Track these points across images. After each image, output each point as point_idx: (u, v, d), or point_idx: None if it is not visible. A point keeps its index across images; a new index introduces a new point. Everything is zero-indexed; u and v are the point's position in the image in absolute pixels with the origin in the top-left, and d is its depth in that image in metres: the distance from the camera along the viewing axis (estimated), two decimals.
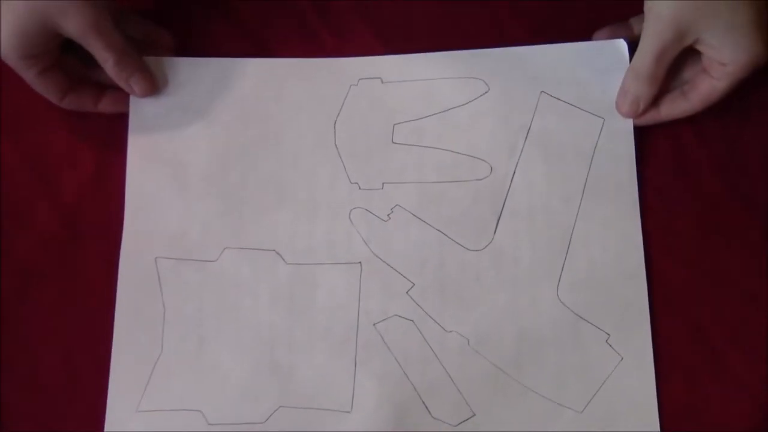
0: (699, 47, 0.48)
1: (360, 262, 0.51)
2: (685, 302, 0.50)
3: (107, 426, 0.49)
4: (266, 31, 0.55)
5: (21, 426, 0.49)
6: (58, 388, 0.50)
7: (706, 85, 0.49)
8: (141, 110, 0.53)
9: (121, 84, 0.51)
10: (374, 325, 0.50)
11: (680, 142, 0.52)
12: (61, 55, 0.50)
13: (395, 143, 0.52)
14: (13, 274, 0.52)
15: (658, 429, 0.48)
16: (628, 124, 0.52)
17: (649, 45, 0.49)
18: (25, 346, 0.50)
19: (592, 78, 0.53)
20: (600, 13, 0.54)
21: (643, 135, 0.52)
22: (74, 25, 0.48)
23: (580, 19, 0.54)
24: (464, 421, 0.48)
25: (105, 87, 0.52)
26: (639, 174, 0.51)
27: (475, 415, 0.48)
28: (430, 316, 0.50)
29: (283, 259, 0.51)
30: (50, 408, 0.50)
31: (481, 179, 0.52)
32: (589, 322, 0.49)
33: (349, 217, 0.51)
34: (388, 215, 0.51)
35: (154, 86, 0.53)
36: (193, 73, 0.53)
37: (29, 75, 0.49)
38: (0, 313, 0.51)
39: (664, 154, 0.52)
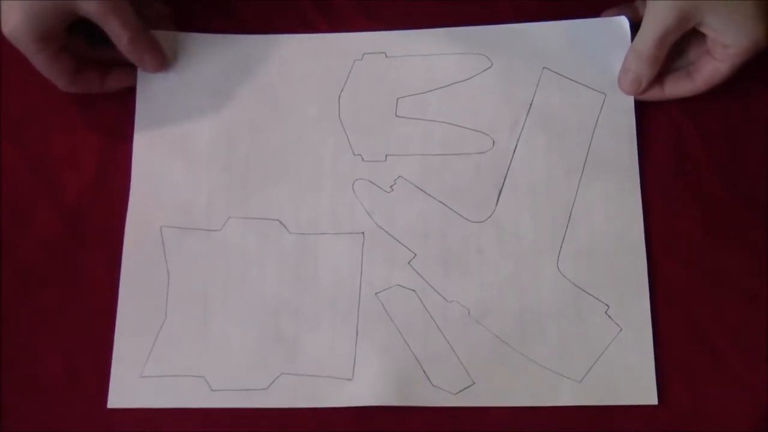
0: (702, 30, 0.49)
1: (363, 233, 0.51)
2: (686, 302, 0.50)
3: (111, 390, 0.49)
4: (267, 30, 0.55)
5: (21, 426, 0.49)
6: (58, 388, 0.50)
7: (710, 67, 0.50)
8: (148, 85, 0.54)
9: (134, 60, 0.52)
10: (376, 294, 0.50)
11: (681, 142, 0.53)
12: (68, 36, 0.50)
13: (399, 117, 0.53)
14: (13, 275, 0.52)
15: (656, 399, 0.48)
16: (629, 100, 0.52)
17: (651, 28, 0.49)
18: (25, 346, 0.51)
19: (593, 54, 0.53)
20: (600, 11, 0.54)
21: (644, 134, 0.52)
22: (94, 6, 0.48)
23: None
24: (464, 389, 0.48)
25: (109, 66, 0.53)
26: (640, 173, 0.51)
27: (474, 383, 0.49)
28: (431, 286, 0.50)
29: (287, 229, 0.51)
30: (50, 408, 0.50)
31: (483, 152, 0.52)
32: (589, 293, 0.50)
33: (353, 188, 0.52)
34: (391, 187, 0.52)
35: (165, 61, 0.53)
36: (200, 49, 0.54)
37: (40, 59, 0.49)
38: (0, 314, 0.51)
39: (664, 155, 0.52)
